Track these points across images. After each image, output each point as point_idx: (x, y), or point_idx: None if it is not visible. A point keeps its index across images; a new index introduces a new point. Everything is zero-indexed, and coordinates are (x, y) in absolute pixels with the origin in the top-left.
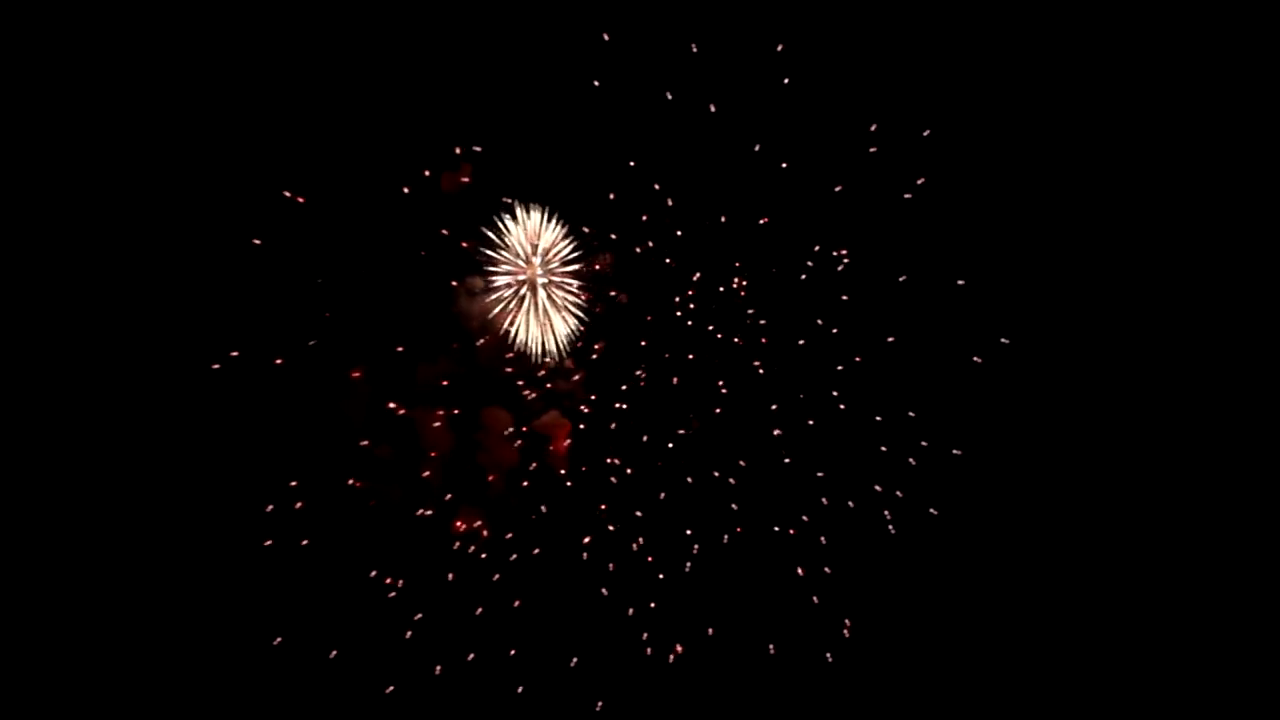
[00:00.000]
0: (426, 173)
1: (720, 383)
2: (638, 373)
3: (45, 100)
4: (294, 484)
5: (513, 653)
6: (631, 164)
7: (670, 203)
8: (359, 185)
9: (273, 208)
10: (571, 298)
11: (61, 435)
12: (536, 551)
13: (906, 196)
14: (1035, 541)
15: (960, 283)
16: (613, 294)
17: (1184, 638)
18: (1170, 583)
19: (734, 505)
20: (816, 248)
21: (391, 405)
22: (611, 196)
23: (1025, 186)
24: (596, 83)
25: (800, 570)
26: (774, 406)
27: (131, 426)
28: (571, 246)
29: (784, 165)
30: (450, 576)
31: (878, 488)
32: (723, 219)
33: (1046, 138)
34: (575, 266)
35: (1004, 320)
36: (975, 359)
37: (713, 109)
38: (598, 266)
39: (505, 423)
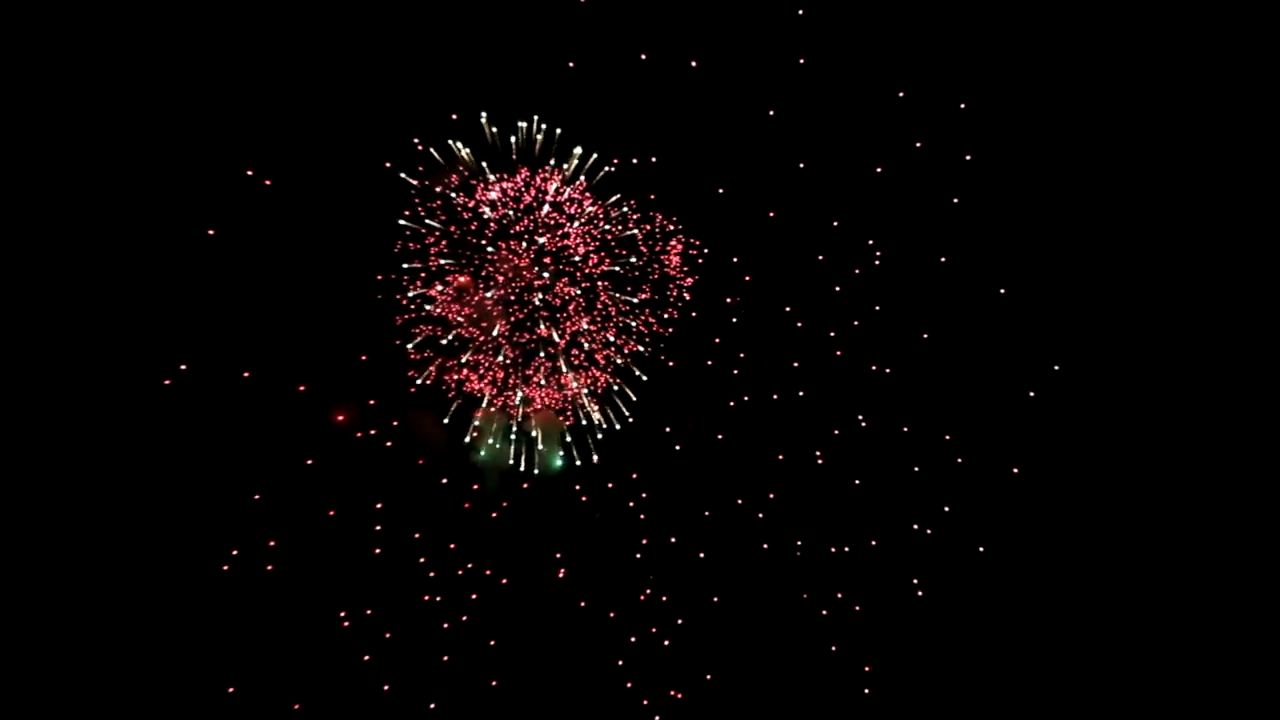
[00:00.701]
0: (419, 144)
1: (732, 386)
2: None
3: None
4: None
5: (494, 684)
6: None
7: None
8: (336, 174)
9: (235, 192)
10: (611, 332)
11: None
12: (514, 576)
13: (955, 201)
14: (1091, 579)
15: (1002, 291)
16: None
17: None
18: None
19: (745, 532)
20: (836, 222)
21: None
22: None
23: (1097, 178)
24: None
25: (823, 611)
26: (793, 420)
27: (74, 442)
28: (623, 210)
29: (801, 164)
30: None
31: (915, 526)
32: (721, 190)
33: (1126, 125)
34: (630, 260)
35: (1055, 334)
36: (1030, 394)
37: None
38: (674, 258)
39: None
